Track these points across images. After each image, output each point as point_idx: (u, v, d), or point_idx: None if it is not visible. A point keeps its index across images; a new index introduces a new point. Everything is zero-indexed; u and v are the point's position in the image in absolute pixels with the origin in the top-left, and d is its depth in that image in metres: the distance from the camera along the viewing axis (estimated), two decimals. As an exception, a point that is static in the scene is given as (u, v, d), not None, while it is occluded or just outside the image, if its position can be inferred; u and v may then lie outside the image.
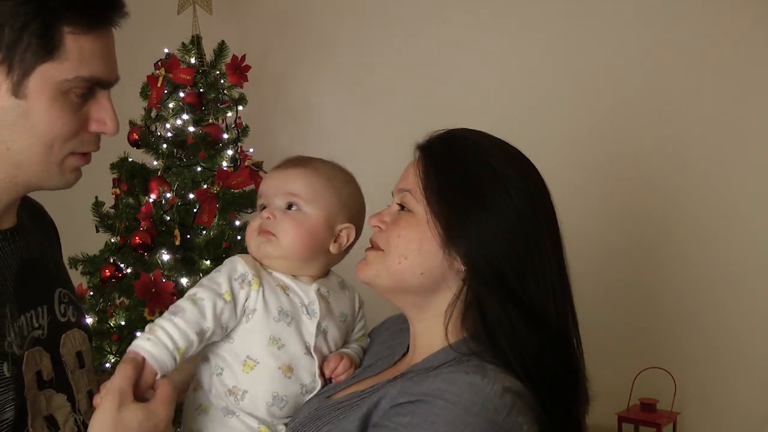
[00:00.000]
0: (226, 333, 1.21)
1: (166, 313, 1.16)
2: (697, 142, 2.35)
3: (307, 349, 1.23)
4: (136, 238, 2.32)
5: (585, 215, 2.50)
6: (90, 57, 1.03)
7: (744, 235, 2.29)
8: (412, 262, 1.12)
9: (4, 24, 0.99)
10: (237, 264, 1.24)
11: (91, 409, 1.16)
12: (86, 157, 1.10)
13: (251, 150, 2.57)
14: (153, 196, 2.42)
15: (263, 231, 1.27)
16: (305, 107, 3.07)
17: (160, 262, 2.36)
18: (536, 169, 1.16)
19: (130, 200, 2.46)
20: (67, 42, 1.01)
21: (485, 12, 2.69)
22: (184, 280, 2.35)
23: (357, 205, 1.34)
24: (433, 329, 1.14)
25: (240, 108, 2.60)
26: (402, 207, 1.17)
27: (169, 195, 2.44)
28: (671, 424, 2.26)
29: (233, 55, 2.58)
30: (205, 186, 2.44)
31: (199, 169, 2.46)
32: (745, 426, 2.28)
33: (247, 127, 2.62)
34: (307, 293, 1.27)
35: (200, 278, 2.37)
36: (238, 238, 2.44)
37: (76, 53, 1.02)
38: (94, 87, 1.06)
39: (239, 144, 2.57)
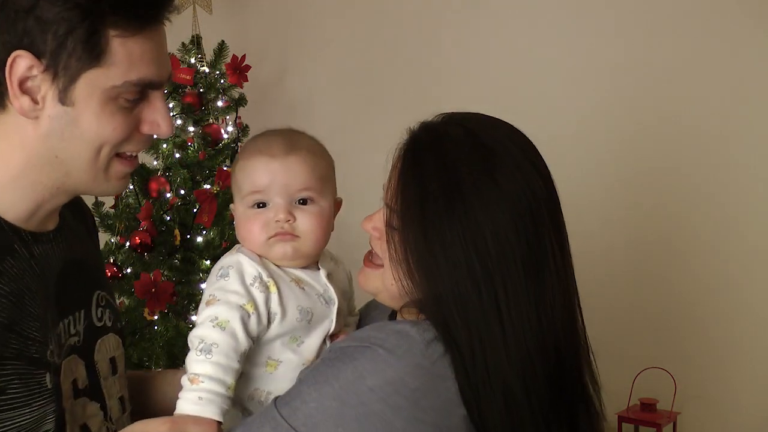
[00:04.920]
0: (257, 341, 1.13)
1: (195, 353, 1.05)
2: (704, 141, 2.35)
3: (326, 337, 1.18)
4: (136, 238, 2.32)
5: (584, 214, 2.50)
6: (139, 60, 0.98)
7: (744, 236, 2.29)
8: (404, 282, 1.08)
9: (47, 30, 0.93)
10: (244, 265, 1.12)
11: (122, 416, 1.16)
12: (133, 162, 1.07)
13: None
14: (153, 196, 2.42)
15: (283, 234, 1.15)
16: (305, 107, 3.07)
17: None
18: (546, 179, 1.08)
19: (130, 200, 2.46)
20: (114, 47, 0.96)
21: (487, 8, 2.68)
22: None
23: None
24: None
25: (240, 108, 2.60)
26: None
27: (169, 195, 2.44)
28: (671, 424, 2.25)
29: (233, 55, 2.58)
30: (205, 186, 2.45)
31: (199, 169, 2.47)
32: (745, 426, 2.28)
33: (247, 127, 2.62)
34: (318, 281, 1.19)
35: (199, 278, 2.39)
36: (238, 238, 2.44)
37: (124, 57, 0.97)
38: (145, 89, 1.02)
39: (239, 144, 2.58)
